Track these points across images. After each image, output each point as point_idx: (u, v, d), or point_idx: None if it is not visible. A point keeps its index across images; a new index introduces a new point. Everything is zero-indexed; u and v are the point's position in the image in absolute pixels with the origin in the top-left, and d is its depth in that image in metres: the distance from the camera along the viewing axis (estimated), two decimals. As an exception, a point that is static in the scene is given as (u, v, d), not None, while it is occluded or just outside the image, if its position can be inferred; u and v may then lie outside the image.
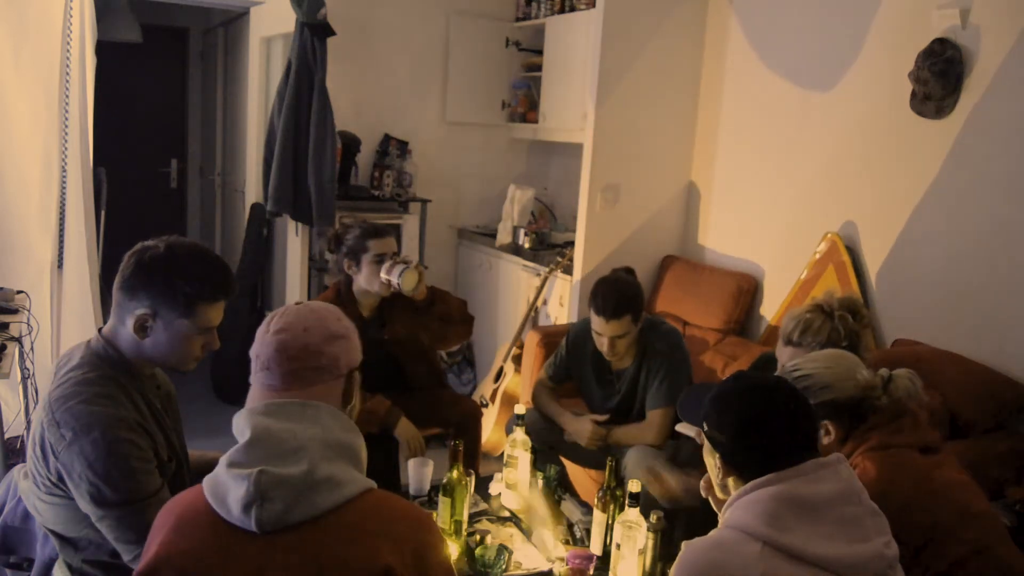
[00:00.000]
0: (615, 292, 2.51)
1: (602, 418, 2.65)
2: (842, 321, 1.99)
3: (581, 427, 2.62)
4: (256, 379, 1.27)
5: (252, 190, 4.45)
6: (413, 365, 2.81)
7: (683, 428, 1.77)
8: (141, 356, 1.58)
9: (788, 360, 1.96)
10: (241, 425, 1.19)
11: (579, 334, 2.73)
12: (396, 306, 2.71)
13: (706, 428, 1.45)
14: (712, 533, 1.36)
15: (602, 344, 2.55)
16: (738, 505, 1.35)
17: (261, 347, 1.26)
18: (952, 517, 1.59)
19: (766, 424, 1.39)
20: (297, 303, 1.34)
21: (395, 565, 1.10)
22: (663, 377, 2.57)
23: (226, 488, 1.12)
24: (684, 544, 1.35)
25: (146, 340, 1.56)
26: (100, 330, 1.61)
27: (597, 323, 2.52)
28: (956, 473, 1.70)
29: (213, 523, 1.11)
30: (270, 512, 1.08)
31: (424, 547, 1.16)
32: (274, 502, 1.08)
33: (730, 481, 1.42)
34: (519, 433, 2.29)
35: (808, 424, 1.42)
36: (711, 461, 1.47)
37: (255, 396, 1.27)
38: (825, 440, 1.67)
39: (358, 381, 1.35)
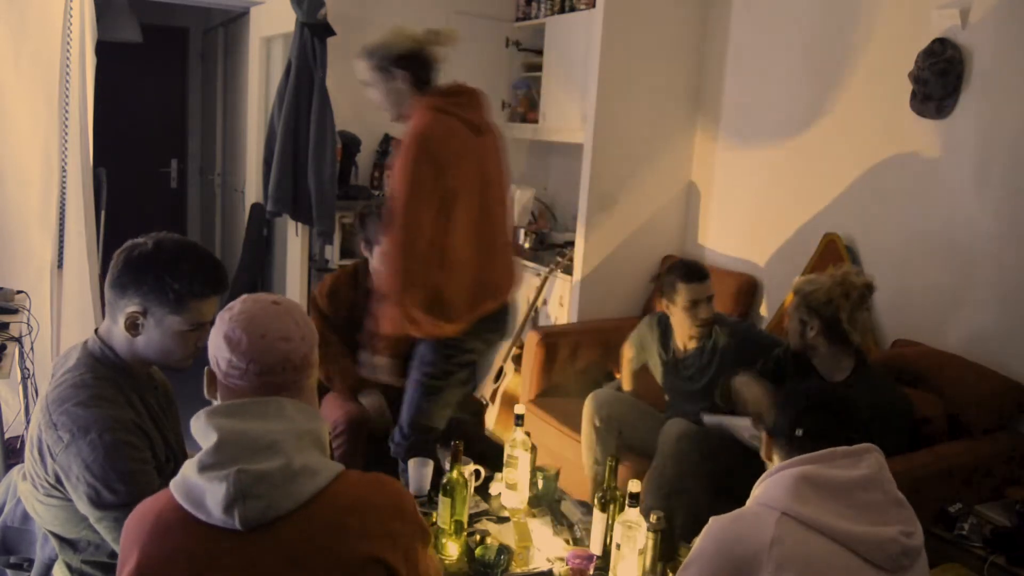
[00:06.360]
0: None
1: None
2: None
3: None
4: (248, 381, 1.21)
5: (252, 190, 4.45)
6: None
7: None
8: (135, 355, 1.57)
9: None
10: (202, 428, 1.16)
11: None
12: None
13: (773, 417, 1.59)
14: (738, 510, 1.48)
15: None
16: (766, 484, 1.47)
17: (258, 354, 1.20)
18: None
19: (822, 434, 1.49)
20: (275, 302, 1.27)
21: (378, 549, 1.13)
22: None
23: (201, 491, 1.10)
24: (712, 519, 1.46)
25: (138, 338, 1.55)
26: (96, 331, 1.60)
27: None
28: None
29: (191, 527, 1.11)
30: (253, 508, 1.09)
31: (401, 535, 1.18)
32: (257, 498, 1.09)
33: (774, 458, 1.56)
34: (519, 433, 2.29)
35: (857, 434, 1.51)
36: (763, 436, 1.62)
37: (239, 395, 1.22)
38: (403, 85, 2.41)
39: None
